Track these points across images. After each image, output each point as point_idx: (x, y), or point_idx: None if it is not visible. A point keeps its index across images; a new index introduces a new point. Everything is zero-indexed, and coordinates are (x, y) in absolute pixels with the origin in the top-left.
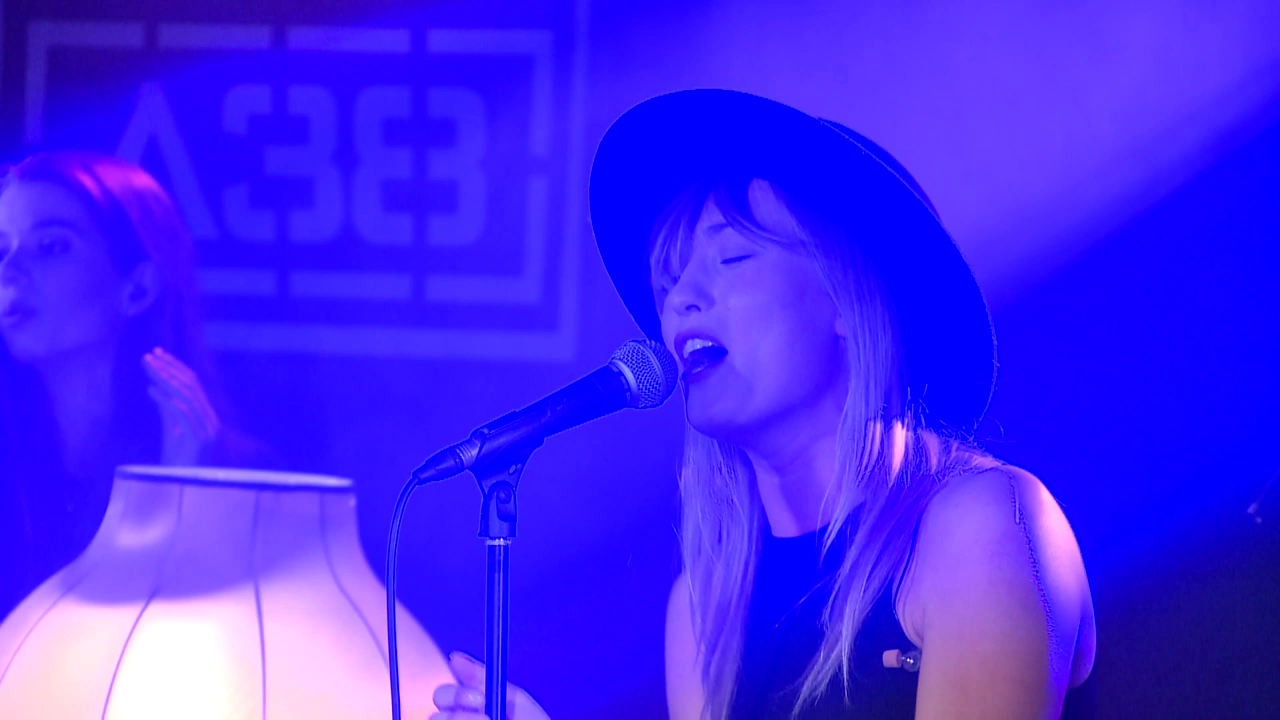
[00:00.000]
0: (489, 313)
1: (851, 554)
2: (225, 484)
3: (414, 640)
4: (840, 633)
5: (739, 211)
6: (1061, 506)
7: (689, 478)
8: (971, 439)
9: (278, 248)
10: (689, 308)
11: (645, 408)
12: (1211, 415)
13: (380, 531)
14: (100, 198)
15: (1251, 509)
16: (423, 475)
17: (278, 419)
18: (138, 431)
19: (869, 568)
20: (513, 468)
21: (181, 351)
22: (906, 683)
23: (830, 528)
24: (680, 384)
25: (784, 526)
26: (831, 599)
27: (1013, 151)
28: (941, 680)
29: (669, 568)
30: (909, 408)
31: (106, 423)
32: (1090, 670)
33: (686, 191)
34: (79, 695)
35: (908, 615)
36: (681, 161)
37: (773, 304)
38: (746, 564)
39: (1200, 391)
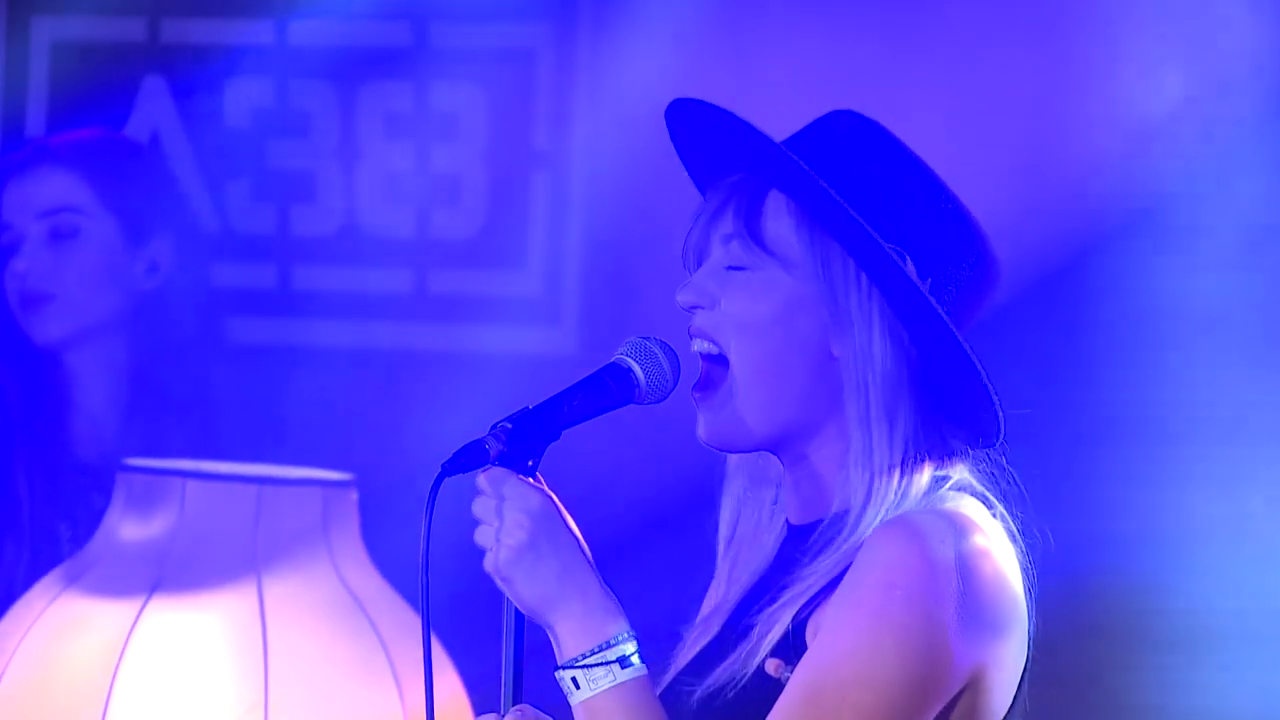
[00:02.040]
0: (491, 306)
1: (809, 568)
2: (227, 477)
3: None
4: (756, 641)
5: (747, 225)
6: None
7: (730, 466)
8: (973, 477)
9: (279, 241)
10: (693, 307)
11: (650, 403)
12: (1205, 413)
13: (380, 526)
14: (105, 176)
15: (1255, 502)
16: (451, 468)
17: (279, 413)
18: (150, 414)
19: (806, 585)
20: (529, 462)
21: (203, 331)
22: (779, 693)
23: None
24: (691, 395)
25: (795, 514)
26: (773, 608)
27: (997, 155)
28: (796, 689)
29: (684, 564)
30: (909, 436)
31: (122, 404)
32: None
33: (720, 185)
34: (81, 688)
35: (810, 631)
36: (726, 151)
37: (764, 319)
38: (767, 552)
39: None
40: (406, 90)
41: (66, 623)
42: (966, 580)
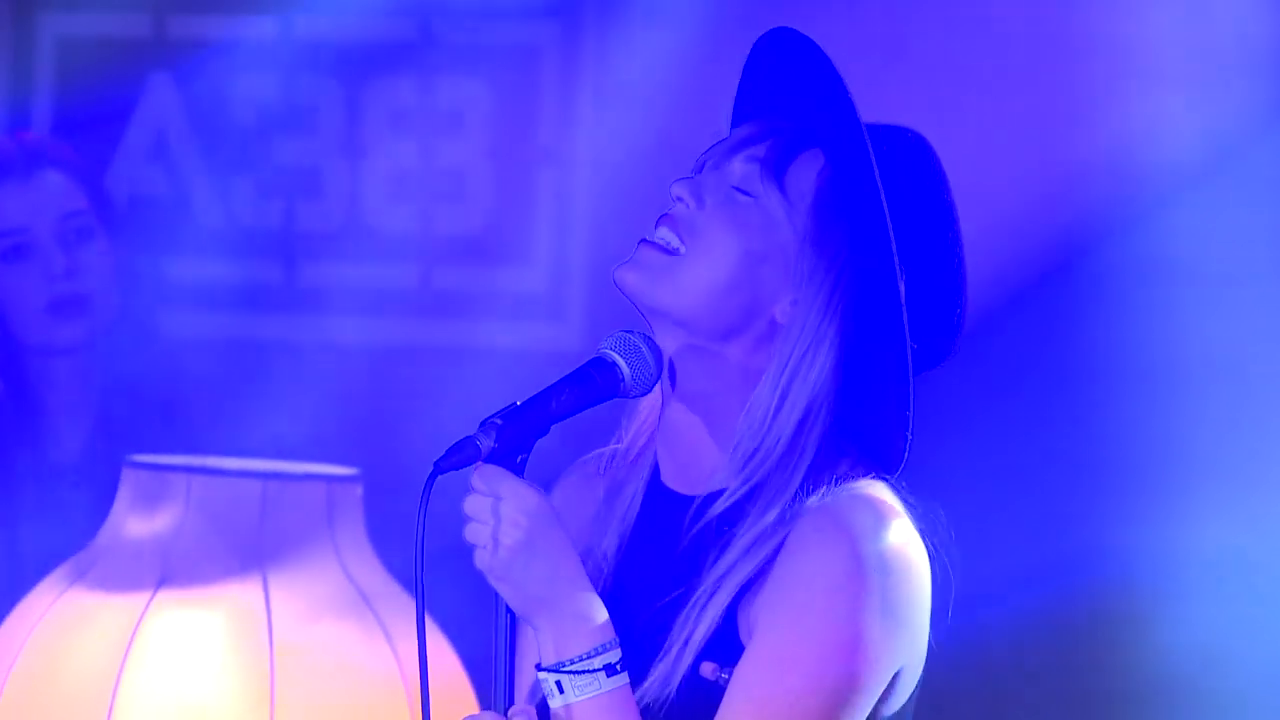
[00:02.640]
0: (496, 302)
1: (727, 559)
2: (232, 473)
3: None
4: (683, 644)
5: (775, 163)
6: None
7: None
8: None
9: (285, 237)
10: (678, 199)
11: (635, 396)
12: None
13: (385, 520)
14: (90, 179)
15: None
16: (443, 466)
17: (284, 408)
18: (118, 413)
19: (734, 579)
20: (519, 457)
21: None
22: (718, 696)
23: (709, 511)
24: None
25: (672, 476)
26: (693, 602)
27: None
28: (743, 700)
29: None
30: (824, 431)
31: (94, 402)
32: (905, 705)
33: (769, 121)
34: (87, 683)
35: (742, 628)
36: (790, 94)
37: (736, 247)
38: (629, 512)
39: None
40: (412, 86)
41: (72, 618)
42: (897, 575)
